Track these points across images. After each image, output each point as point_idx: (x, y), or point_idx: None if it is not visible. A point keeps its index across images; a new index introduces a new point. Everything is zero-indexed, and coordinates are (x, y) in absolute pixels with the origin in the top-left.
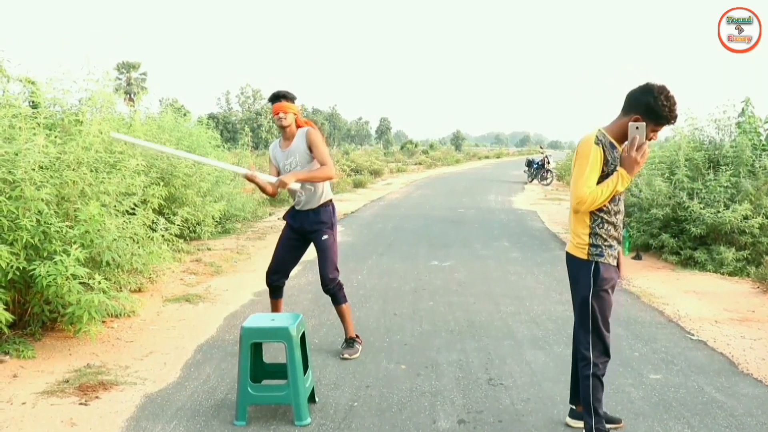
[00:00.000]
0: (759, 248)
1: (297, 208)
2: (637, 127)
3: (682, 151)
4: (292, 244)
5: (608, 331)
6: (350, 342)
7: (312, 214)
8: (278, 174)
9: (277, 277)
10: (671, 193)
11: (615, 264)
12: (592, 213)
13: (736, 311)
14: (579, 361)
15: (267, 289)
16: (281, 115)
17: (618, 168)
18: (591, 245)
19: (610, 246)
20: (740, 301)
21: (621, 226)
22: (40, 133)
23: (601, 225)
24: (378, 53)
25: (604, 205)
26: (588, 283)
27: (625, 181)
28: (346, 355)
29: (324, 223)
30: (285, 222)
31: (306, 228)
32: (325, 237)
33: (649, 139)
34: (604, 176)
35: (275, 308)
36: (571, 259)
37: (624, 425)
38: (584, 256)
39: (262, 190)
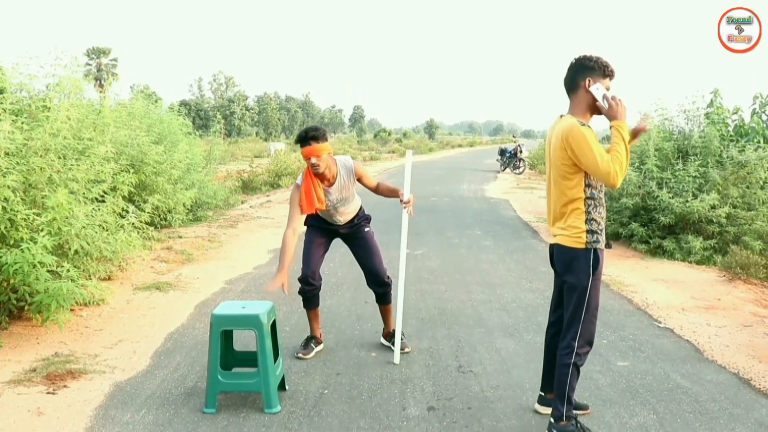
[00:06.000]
0: (725, 237)
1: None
2: (597, 88)
3: (652, 141)
4: (325, 243)
5: (597, 318)
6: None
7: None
8: (324, 205)
9: (316, 283)
10: (641, 183)
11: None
12: (586, 198)
13: (702, 299)
14: (561, 349)
15: (238, 276)
16: (314, 161)
17: (611, 123)
18: (588, 232)
19: (602, 231)
20: (707, 289)
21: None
22: (5, 118)
23: (595, 208)
24: (352, 41)
25: (596, 188)
26: (588, 272)
27: (624, 129)
28: (407, 349)
29: (363, 218)
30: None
31: (343, 227)
32: (367, 229)
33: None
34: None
35: (315, 321)
36: (563, 250)
37: (591, 411)
38: (581, 246)
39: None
